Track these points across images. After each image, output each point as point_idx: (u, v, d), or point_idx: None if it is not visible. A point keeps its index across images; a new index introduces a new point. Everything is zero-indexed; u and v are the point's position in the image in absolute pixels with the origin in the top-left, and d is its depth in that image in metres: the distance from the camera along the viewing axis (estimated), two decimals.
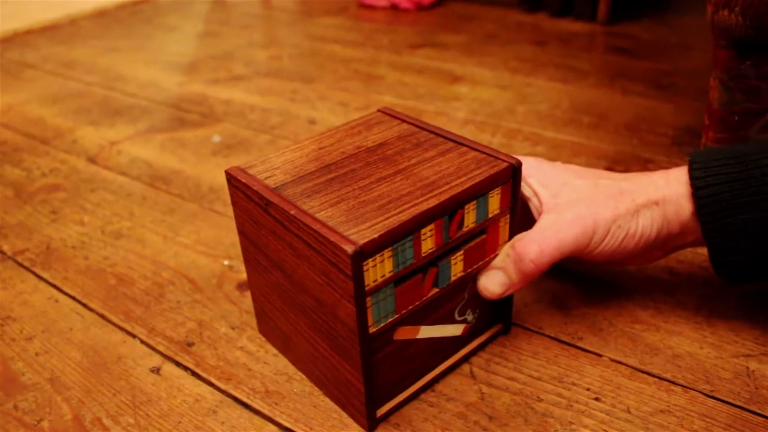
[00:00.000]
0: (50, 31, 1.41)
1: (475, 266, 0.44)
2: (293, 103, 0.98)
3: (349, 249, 0.35)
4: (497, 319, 0.50)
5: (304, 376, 0.48)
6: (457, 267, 0.42)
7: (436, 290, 0.42)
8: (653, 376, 0.46)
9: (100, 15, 1.53)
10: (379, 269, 0.37)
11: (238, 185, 0.43)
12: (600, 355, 0.48)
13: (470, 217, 0.41)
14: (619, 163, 0.75)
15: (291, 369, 0.48)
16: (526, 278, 0.45)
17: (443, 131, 0.46)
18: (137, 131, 0.91)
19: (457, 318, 0.46)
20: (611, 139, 0.81)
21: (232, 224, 0.67)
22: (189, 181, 0.76)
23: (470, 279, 0.45)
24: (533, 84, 1.01)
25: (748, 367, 0.46)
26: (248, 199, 0.42)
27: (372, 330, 0.39)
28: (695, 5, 1.35)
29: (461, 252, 0.42)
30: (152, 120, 0.94)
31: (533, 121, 0.88)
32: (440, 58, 1.15)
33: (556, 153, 0.78)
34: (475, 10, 1.43)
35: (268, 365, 0.49)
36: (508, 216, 0.44)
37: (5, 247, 0.65)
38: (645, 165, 0.74)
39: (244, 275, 0.59)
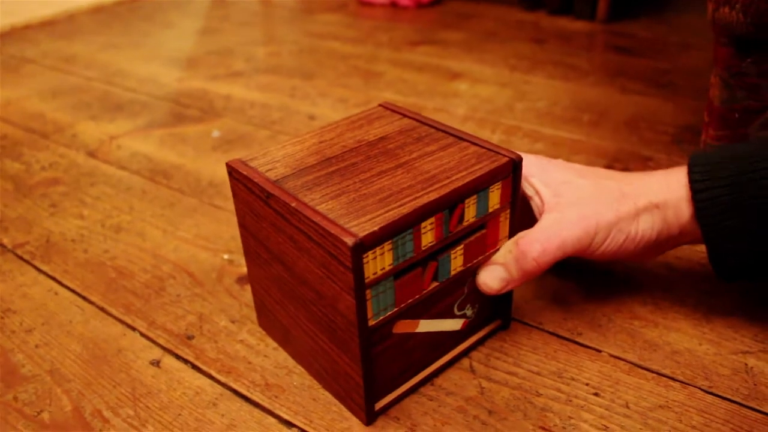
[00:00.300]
0: (49, 26, 1.41)
1: (475, 261, 0.44)
2: (293, 99, 0.98)
3: (349, 241, 0.35)
4: (497, 314, 0.50)
5: (303, 370, 0.48)
6: (457, 261, 0.42)
7: (435, 284, 0.42)
8: (652, 371, 0.46)
9: (98, 11, 1.52)
10: (378, 262, 0.37)
11: (239, 177, 0.43)
12: (599, 351, 0.48)
13: (470, 212, 0.41)
14: (618, 161, 0.75)
15: (291, 362, 0.49)
16: (527, 275, 0.45)
17: (444, 126, 0.46)
18: (137, 126, 0.91)
19: (457, 312, 0.46)
20: (611, 137, 0.81)
21: (232, 219, 0.67)
22: (189, 176, 0.76)
23: (470, 274, 0.45)
24: (532, 81, 1.01)
25: (746, 364, 0.47)
26: (249, 192, 0.42)
27: (371, 323, 0.39)
28: (694, 4, 1.35)
29: (461, 246, 0.42)
30: (152, 115, 0.94)
31: (532, 118, 0.88)
32: (440, 55, 1.15)
33: (555, 150, 0.78)
34: (474, 7, 1.43)
35: (268, 358, 0.49)
36: (508, 211, 0.44)
37: (5, 241, 0.65)
38: (645, 162, 0.74)
39: (244, 269, 0.59)
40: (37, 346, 0.51)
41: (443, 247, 0.41)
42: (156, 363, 0.49)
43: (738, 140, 0.60)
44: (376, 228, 0.36)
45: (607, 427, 0.42)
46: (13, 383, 0.48)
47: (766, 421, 0.42)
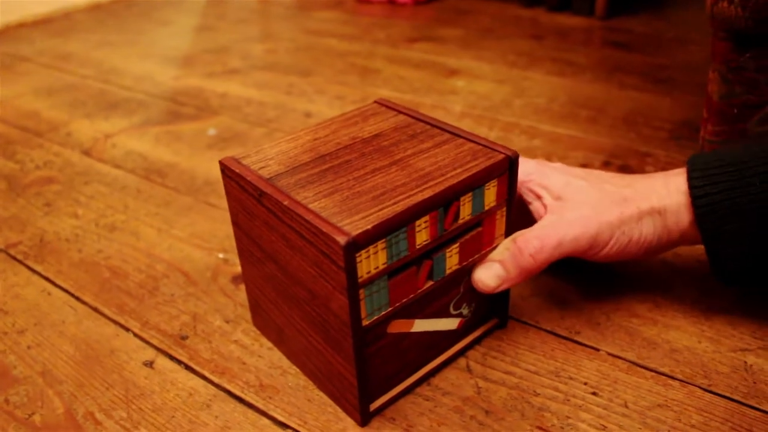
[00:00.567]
0: (44, 24, 1.41)
1: (471, 259, 0.43)
2: (289, 97, 0.97)
3: (342, 240, 0.34)
4: (493, 313, 0.49)
5: (298, 370, 0.47)
6: (452, 260, 0.42)
7: (430, 283, 0.41)
8: (651, 370, 0.46)
9: (94, 8, 1.52)
10: (372, 261, 0.36)
11: (231, 175, 0.42)
12: (597, 349, 0.48)
13: (466, 209, 0.41)
14: (616, 157, 0.75)
15: (285, 362, 0.48)
16: (523, 273, 0.44)
17: (440, 123, 0.46)
18: (132, 124, 0.90)
19: (453, 312, 0.45)
20: (609, 133, 0.81)
21: (227, 217, 0.66)
22: (184, 174, 0.76)
23: (466, 272, 0.44)
24: (530, 78, 1.00)
25: (745, 362, 0.46)
26: (242, 190, 0.42)
27: (365, 323, 0.38)
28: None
29: (457, 245, 0.41)
30: (147, 113, 0.94)
31: (530, 114, 0.87)
32: (437, 51, 1.14)
33: (553, 147, 0.78)
34: (472, 4, 1.42)
35: (263, 359, 0.48)
36: (504, 208, 0.44)
37: None
38: (642, 159, 0.74)
39: (238, 268, 0.58)
40: (29, 347, 0.51)
41: (438, 245, 0.41)
42: (149, 364, 0.49)
43: (737, 136, 0.60)
44: (369, 226, 0.35)
45: (606, 427, 0.42)
46: (4, 385, 0.47)
47: (765, 419, 0.42)
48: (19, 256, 0.62)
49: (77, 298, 0.56)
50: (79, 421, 0.44)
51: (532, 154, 0.76)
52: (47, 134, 0.88)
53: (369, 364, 0.41)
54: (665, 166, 0.72)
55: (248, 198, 0.41)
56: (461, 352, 0.48)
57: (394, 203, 0.37)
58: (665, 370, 0.46)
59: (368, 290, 0.37)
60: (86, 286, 0.57)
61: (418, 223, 0.38)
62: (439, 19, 1.33)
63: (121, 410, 0.45)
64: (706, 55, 0.60)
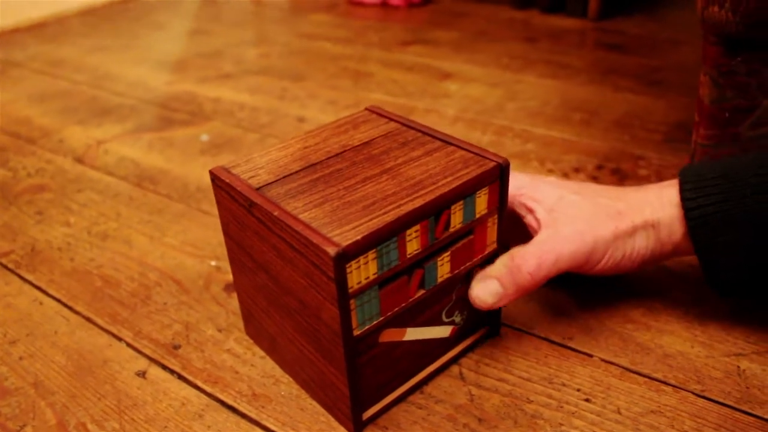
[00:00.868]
0: (37, 29, 1.40)
1: (463, 267, 0.43)
2: (282, 102, 0.97)
3: (332, 251, 0.34)
4: (486, 320, 0.49)
5: (291, 379, 0.47)
6: (443, 268, 0.42)
7: (422, 292, 0.41)
8: (644, 376, 0.46)
9: (88, 13, 1.51)
10: (363, 271, 0.36)
11: (221, 185, 0.42)
12: (590, 356, 0.48)
13: (457, 218, 0.41)
14: (610, 160, 0.75)
15: (278, 371, 0.48)
16: (521, 290, 0.44)
17: (431, 130, 0.45)
18: (125, 130, 0.90)
19: (445, 320, 0.45)
20: (602, 136, 0.81)
21: (220, 224, 0.66)
22: (176, 181, 0.76)
23: (458, 280, 0.44)
24: (524, 81, 1.00)
25: (739, 366, 0.46)
26: (232, 200, 0.42)
27: (356, 333, 0.38)
28: (685, 1, 1.34)
29: (448, 253, 0.41)
30: (140, 119, 0.93)
31: (524, 118, 0.87)
32: (430, 55, 1.14)
33: (546, 150, 0.78)
34: (465, 6, 1.42)
35: (255, 368, 0.48)
36: (495, 216, 0.44)
37: None
38: (636, 162, 0.74)
39: (230, 276, 0.58)
40: (21, 358, 0.50)
41: (429, 254, 0.40)
42: (142, 374, 0.48)
43: (729, 139, 0.60)
44: (359, 237, 0.35)
45: None
46: None
47: (758, 424, 0.42)
48: (11, 265, 0.62)
49: (69, 308, 0.56)
50: None
51: (525, 158, 0.76)
52: (39, 141, 0.88)
53: (361, 373, 0.40)
54: (659, 170, 0.72)
55: (238, 208, 0.41)
56: (454, 360, 0.47)
57: (385, 213, 0.37)
58: (658, 375, 0.46)
59: (359, 300, 0.37)
60: (78, 295, 0.57)
61: (408, 232, 0.38)
62: (433, 21, 1.33)
63: (114, 421, 0.44)
64: (699, 56, 0.60)
